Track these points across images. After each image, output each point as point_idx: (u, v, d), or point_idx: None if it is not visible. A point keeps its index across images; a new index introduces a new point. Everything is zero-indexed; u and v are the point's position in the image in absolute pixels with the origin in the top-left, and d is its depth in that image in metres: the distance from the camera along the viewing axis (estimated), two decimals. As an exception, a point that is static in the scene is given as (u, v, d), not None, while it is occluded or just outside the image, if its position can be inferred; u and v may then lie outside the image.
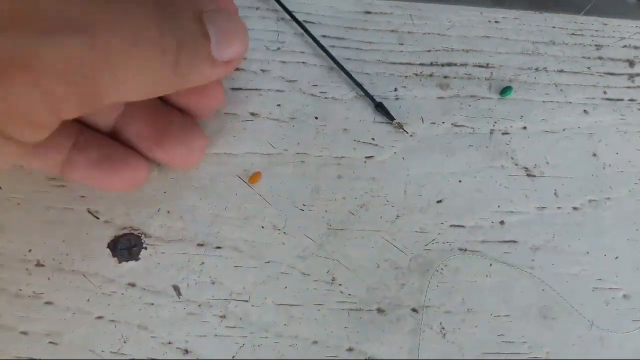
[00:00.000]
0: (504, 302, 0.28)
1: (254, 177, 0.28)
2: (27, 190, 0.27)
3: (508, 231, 0.28)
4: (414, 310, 0.27)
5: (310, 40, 0.29)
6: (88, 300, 0.27)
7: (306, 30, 0.29)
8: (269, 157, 0.29)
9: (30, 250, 0.27)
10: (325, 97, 0.29)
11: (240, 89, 0.29)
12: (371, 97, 0.28)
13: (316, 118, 0.29)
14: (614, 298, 0.28)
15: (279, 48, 0.30)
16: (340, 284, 0.27)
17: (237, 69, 0.29)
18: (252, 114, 0.29)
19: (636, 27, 0.32)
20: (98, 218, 0.27)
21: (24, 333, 0.26)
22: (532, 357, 0.27)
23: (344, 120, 0.29)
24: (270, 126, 0.29)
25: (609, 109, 0.30)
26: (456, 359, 0.27)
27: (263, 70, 0.30)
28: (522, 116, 0.30)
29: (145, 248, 0.27)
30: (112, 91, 0.20)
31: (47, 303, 0.27)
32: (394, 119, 0.28)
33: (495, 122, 0.30)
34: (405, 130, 0.28)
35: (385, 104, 0.29)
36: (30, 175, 0.28)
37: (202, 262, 0.27)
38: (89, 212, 0.27)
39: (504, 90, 0.29)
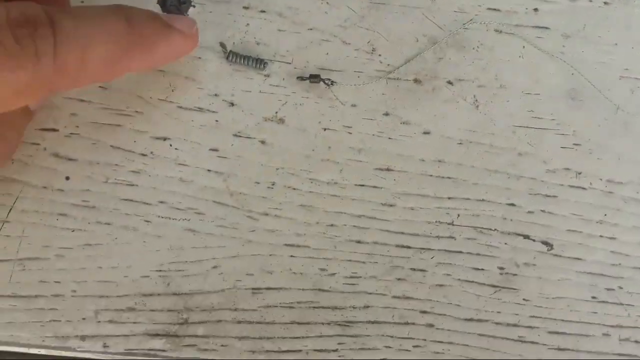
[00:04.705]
0: (534, 81, 0.29)
1: None
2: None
3: (541, 18, 0.29)
4: (449, 82, 0.29)
5: None
6: (137, 52, 0.27)
7: None
8: None
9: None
10: None
11: None
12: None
13: None
14: (640, 87, 0.29)
15: None
16: (380, 54, 0.28)
17: None
18: None
19: None
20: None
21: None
22: (560, 132, 0.29)
23: None
24: None
25: None
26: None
27: None
28: None
29: (194, 6, 0.28)
30: None
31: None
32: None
33: None
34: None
35: None
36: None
37: (247, 24, 0.28)
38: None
39: None
